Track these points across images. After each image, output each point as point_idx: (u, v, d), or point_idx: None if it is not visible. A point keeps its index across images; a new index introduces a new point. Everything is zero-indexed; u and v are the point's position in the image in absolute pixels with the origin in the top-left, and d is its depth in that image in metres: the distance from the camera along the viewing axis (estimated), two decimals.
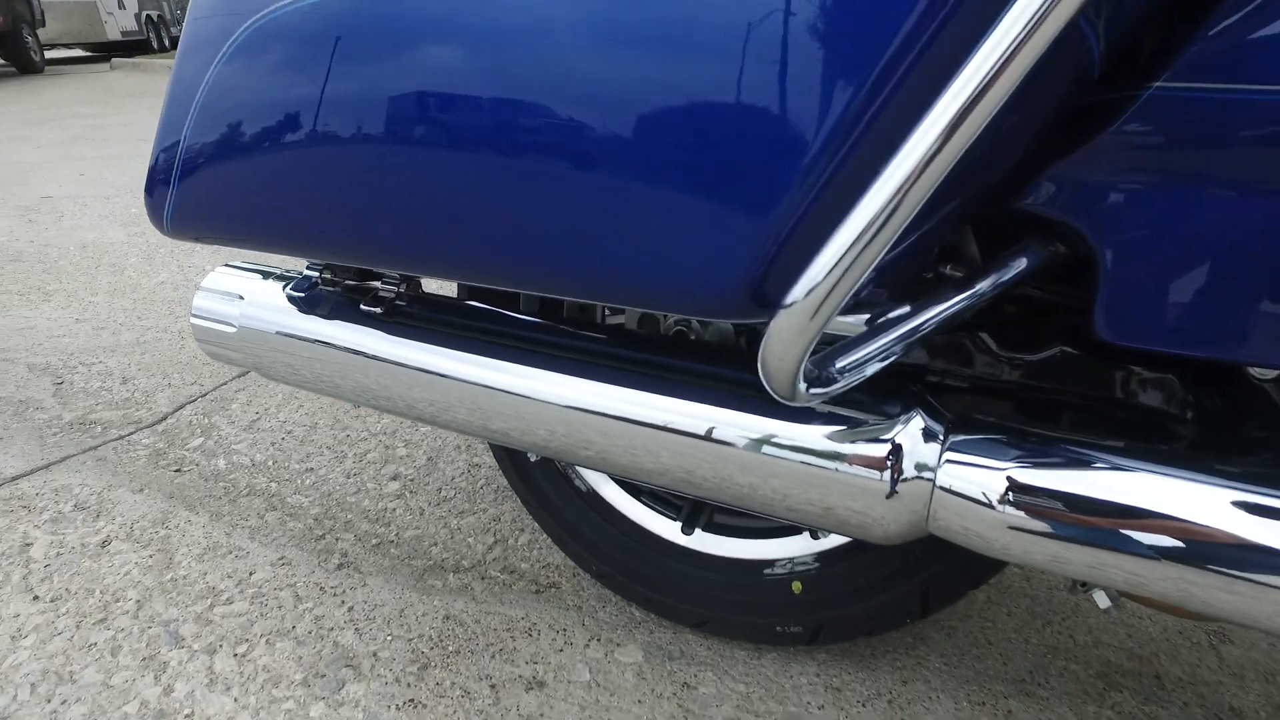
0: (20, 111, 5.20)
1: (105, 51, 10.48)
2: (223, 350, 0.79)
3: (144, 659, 0.85)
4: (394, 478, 1.20)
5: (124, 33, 9.76)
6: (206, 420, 1.36)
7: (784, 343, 0.42)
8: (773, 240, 0.42)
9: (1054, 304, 0.62)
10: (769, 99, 0.40)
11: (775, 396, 0.47)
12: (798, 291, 0.41)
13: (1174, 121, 0.46)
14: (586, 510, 0.91)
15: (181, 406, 1.40)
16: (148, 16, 10.24)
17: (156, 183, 0.66)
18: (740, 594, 0.84)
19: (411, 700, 0.81)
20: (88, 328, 1.73)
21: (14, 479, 1.18)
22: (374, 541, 1.06)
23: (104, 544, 1.03)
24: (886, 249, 0.39)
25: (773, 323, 0.42)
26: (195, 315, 0.79)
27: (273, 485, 1.18)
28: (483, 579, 0.99)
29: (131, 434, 1.31)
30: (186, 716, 0.78)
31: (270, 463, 1.23)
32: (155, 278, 2.04)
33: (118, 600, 0.93)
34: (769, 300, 0.43)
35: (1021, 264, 0.55)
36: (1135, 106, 0.47)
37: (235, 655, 0.86)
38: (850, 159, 0.40)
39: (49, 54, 10.36)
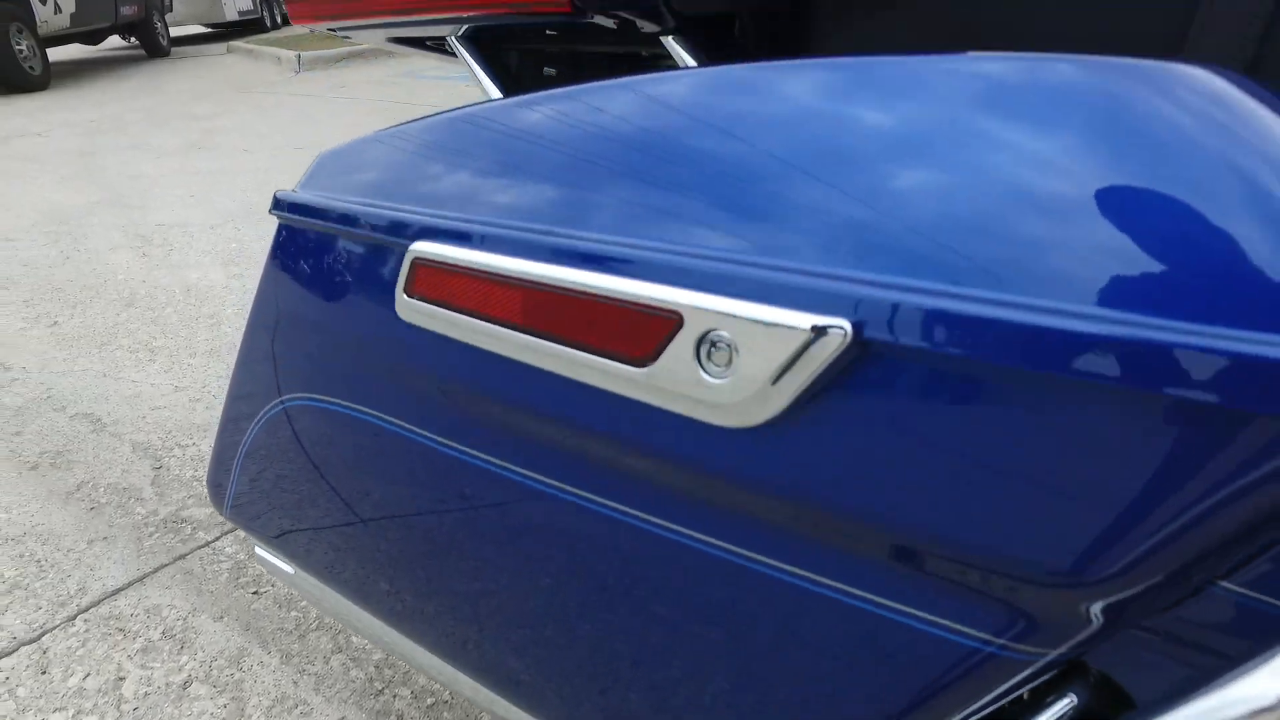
0: (146, 108, 5.56)
1: (222, 28, 11.03)
2: (278, 579, 0.82)
3: None
4: None
5: (240, 13, 10.24)
6: None
7: None
8: None
9: None
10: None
11: None
12: None
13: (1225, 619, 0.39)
14: None
15: None
16: None
17: (220, 472, 0.67)
18: None
19: None
20: (185, 399, 1.84)
21: (114, 593, 1.27)
22: (429, 701, 1.08)
23: (185, 685, 1.10)
24: None
25: None
26: (258, 548, 0.81)
27: None
28: None
29: (216, 539, 1.39)
30: None
31: None
32: None
33: None
34: None
35: (1068, 712, 0.48)
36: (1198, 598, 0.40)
37: None
38: None
39: (172, 30, 11.01)
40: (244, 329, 0.60)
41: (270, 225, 0.60)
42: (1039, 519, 0.28)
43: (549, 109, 0.42)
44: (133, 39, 8.86)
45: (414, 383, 0.47)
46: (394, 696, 1.09)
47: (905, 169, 0.30)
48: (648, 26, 0.62)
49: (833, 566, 0.34)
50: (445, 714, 1.06)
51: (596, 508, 0.40)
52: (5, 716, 1.06)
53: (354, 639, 1.18)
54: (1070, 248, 0.27)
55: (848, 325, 0.30)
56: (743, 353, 0.32)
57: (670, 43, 0.62)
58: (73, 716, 1.06)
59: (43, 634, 1.19)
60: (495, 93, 0.70)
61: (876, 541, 0.32)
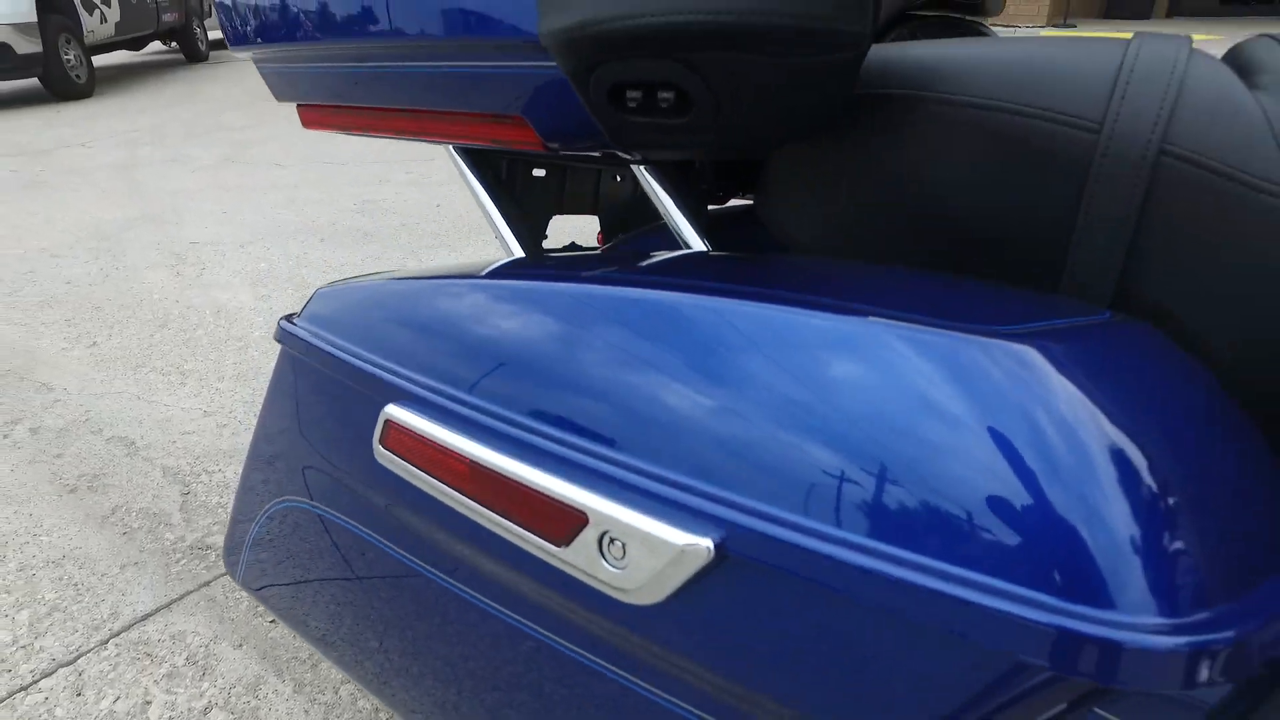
0: (184, 119, 5.74)
1: None
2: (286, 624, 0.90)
3: None
4: None
5: None
6: None
7: None
8: None
9: None
10: None
11: None
12: None
13: None
14: None
15: None
16: None
17: (235, 538, 0.75)
18: None
19: None
20: (213, 424, 1.94)
21: (143, 619, 1.37)
22: None
23: (205, 711, 1.19)
24: None
25: None
26: None
27: None
28: None
29: None
30: None
31: None
32: (272, 361, 2.24)
33: None
34: None
35: None
36: None
37: None
38: None
39: (210, 34, 11.33)
40: (256, 423, 0.67)
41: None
42: (867, 700, 0.34)
43: (519, 295, 0.48)
44: (174, 44, 9.14)
45: (393, 511, 0.53)
46: None
47: (774, 409, 0.36)
48: (620, 155, 0.68)
49: (721, 709, 0.40)
50: None
51: (536, 634, 0.47)
52: None
53: None
54: (893, 499, 0.32)
55: (710, 544, 0.36)
56: (633, 554, 0.38)
57: (640, 171, 0.68)
58: None
59: (78, 657, 1.29)
60: (486, 199, 0.77)
61: (759, 702, 0.38)
